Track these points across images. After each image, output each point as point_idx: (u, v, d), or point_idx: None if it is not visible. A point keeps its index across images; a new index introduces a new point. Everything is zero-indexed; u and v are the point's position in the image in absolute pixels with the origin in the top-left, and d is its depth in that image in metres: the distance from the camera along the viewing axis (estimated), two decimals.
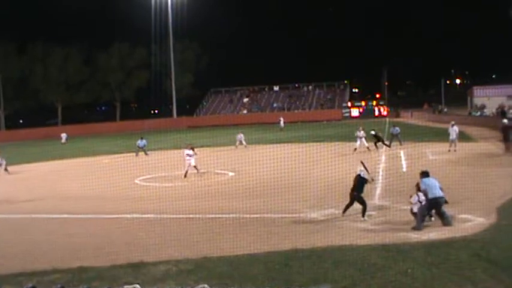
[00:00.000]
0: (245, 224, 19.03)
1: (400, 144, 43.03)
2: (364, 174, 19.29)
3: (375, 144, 42.25)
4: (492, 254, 13.93)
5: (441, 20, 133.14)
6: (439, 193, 17.54)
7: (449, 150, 37.64)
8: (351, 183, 19.38)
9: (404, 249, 14.68)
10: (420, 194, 18.35)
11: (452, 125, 39.27)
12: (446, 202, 18.02)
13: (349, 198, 19.18)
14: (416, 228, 17.00)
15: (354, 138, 42.87)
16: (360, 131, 42.07)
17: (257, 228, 18.25)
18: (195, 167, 32.31)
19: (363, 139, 41.72)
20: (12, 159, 47.99)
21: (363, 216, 18.75)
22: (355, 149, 40.46)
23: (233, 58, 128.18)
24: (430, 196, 17.46)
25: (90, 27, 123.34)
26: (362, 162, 20.09)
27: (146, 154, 47.17)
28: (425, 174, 18.30)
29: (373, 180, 19.87)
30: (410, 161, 32.06)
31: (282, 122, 78.36)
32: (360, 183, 19.11)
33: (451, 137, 38.76)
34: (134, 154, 47.25)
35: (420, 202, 17.92)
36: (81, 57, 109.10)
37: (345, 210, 19.21)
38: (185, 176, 31.61)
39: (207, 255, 15.06)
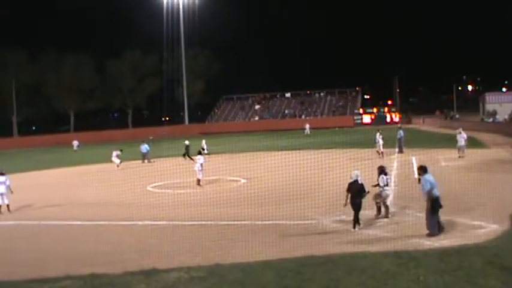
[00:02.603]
0: (257, 231, 19.02)
1: (399, 151, 42.93)
2: (361, 180, 18.97)
3: (183, 155, 45.16)
4: (505, 261, 13.83)
5: (452, 27, 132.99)
6: (438, 192, 17.27)
7: (459, 157, 37.46)
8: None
9: (416, 256, 14.61)
10: (384, 176, 19.85)
11: (460, 132, 39.04)
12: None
13: (352, 209, 18.48)
14: (431, 234, 16.84)
15: (366, 145, 42.79)
16: (377, 134, 42.03)
17: (269, 235, 18.24)
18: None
19: (380, 142, 41.54)
20: (24, 165, 48.29)
21: (354, 227, 18.48)
22: (382, 152, 40.62)
23: (245, 65, 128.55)
24: (434, 195, 17.11)
25: (102, 34, 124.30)
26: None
27: (149, 161, 46.41)
28: (424, 169, 17.73)
29: (368, 191, 19.49)
30: None
31: (308, 128, 78.74)
32: (361, 189, 18.69)
33: (459, 144, 38.50)
34: (140, 161, 46.86)
35: (387, 184, 19.75)
36: (93, 65, 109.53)
37: (354, 225, 18.50)
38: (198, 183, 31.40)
39: (219, 262, 15.05)
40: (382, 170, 20.36)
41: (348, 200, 18.55)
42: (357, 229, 18.33)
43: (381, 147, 41.34)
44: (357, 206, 18.45)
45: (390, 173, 28.03)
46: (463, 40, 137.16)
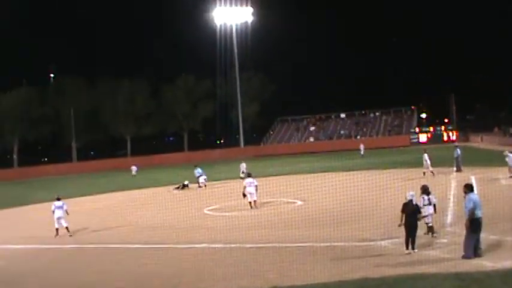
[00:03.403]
0: (315, 253, 18.94)
1: (457, 170, 42.04)
2: (416, 200, 18.79)
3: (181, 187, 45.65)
4: None
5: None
6: (481, 213, 16.87)
7: (510, 177, 36.14)
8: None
9: (478, 278, 14.30)
10: (425, 196, 19.72)
11: (507, 155, 37.70)
12: None
13: (406, 229, 18.16)
14: (466, 256, 16.46)
15: (421, 165, 42.23)
16: (425, 154, 41.53)
17: (327, 257, 18.14)
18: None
19: (428, 162, 41.02)
20: (84, 190, 49.26)
21: (407, 248, 18.24)
22: (432, 172, 39.98)
23: (299, 86, 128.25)
24: (475, 216, 16.64)
25: (157, 60, 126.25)
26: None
27: (199, 185, 46.11)
28: (470, 188, 17.45)
29: (423, 217, 19.29)
30: (482, 187, 31.15)
31: (362, 149, 77.80)
32: (416, 210, 18.46)
33: (510, 163, 37.17)
34: (197, 185, 46.61)
35: (429, 204, 19.62)
36: (148, 90, 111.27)
37: (413, 245, 18.13)
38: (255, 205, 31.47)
39: (277, 285, 15.03)
40: (424, 190, 20.20)
41: (403, 221, 18.36)
42: (410, 250, 18.02)
43: (429, 167, 40.77)
44: (412, 227, 18.15)
45: (450, 193, 27.62)
46: None
